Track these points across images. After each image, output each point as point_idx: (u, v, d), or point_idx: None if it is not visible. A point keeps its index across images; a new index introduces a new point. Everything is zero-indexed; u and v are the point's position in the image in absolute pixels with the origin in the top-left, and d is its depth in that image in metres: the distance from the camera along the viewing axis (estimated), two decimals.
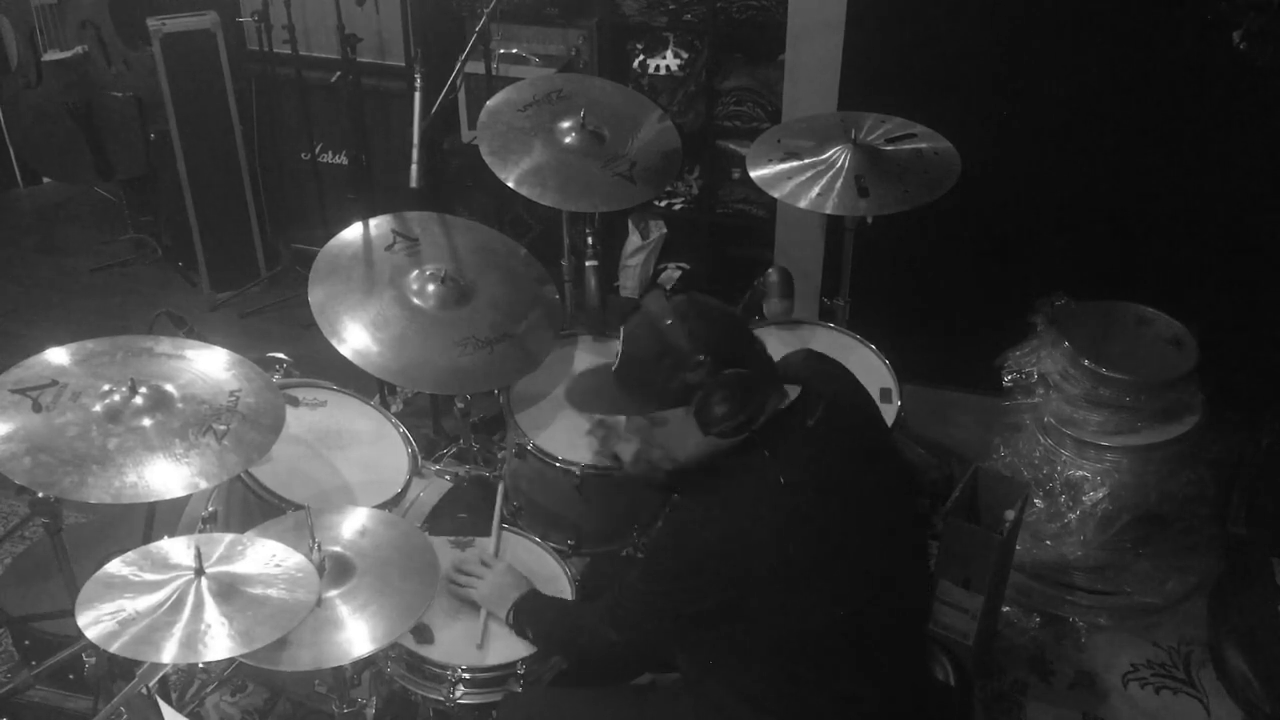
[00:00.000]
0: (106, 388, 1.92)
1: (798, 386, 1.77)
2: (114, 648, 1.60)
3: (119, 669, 2.14)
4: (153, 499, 1.83)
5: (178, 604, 1.66)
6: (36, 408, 1.87)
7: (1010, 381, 2.95)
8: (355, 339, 2.40)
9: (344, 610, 1.80)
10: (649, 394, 1.74)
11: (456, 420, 2.91)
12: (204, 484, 1.85)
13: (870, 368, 2.74)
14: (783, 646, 1.75)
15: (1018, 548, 2.77)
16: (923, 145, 2.79)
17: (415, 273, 2.54)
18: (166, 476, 1.82)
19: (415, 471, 2.41)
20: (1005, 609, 2.81)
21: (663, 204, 3.96)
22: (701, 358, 1.67)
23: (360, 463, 2.41)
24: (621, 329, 1.77)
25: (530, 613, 2.04)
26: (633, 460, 1.99)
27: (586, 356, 2.75)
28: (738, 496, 1.71)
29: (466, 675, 2.01)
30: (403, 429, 2.51)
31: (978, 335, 3.07)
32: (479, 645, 2.05)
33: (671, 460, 1.80)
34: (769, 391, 1.73)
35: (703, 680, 1.86)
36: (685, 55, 3.72)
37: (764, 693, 1.79)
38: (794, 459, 1.71)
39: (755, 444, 1.72)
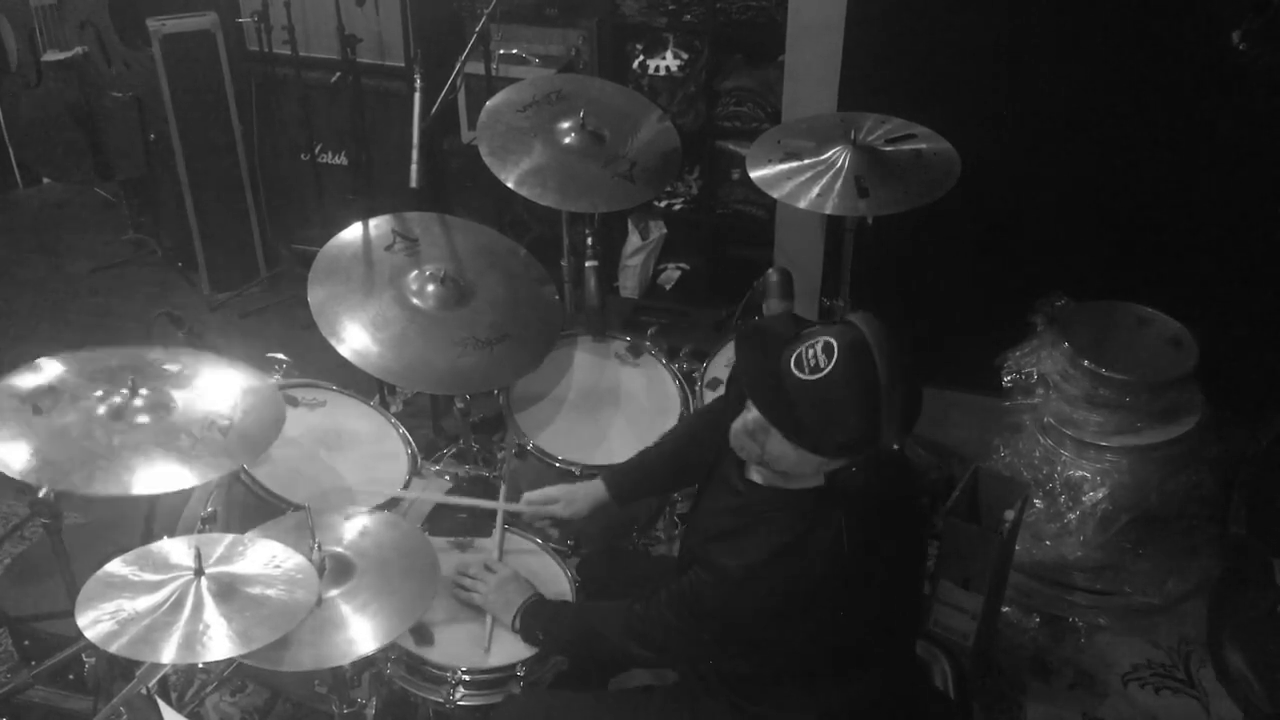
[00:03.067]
0: (106, 390, 1.92)
1: None
2: (114, 648, 1.60)
3: (119, 669, 2.14)
4: (160, 492, 1.83)
5: (177, 604, 1.66)
6: (36, 410, 1.86)
7: (1010, 382, 2.95)
8: (355, 339, 2.40)
9: (344, 610, 1.80)
10: (828, 440, 1.59)
11: (456, 420, 2.91)
12: (212, 475, 1.86)
13: None
14: (787, 665, 1.76)
15: (1018, 548, 2.77)
16: (923, 145, 2.79)
17: (415, 273, 2.54)
18: (172, 471, 1.82)
19: (415, 472, 2.41)
20: (1005, 609, 2.81)
21: (663, 204, 3.96)
22: (895, 446, 1.57)
23: (360, 463, 2.41)
24: (841, 351, 1.54)
25: (538, 619, 2.04)
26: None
27: (586, 356, 2.75)
28: (789, 567, 1.67)
29: (466, 677, 2.01)
30: (402, 429, 2.51)
31: (978, 335, 3.08)
32: (486, 649, 2.05)
33: (759, 460, 1.69)
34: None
35: (701, 684, 1.87)
36: (685, 56, 3.72)
37: (763, 698, 1.79)
38: (846, 525, 1.66)
39: (819, 501, 1.68)
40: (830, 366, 1.54)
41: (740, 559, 1.69)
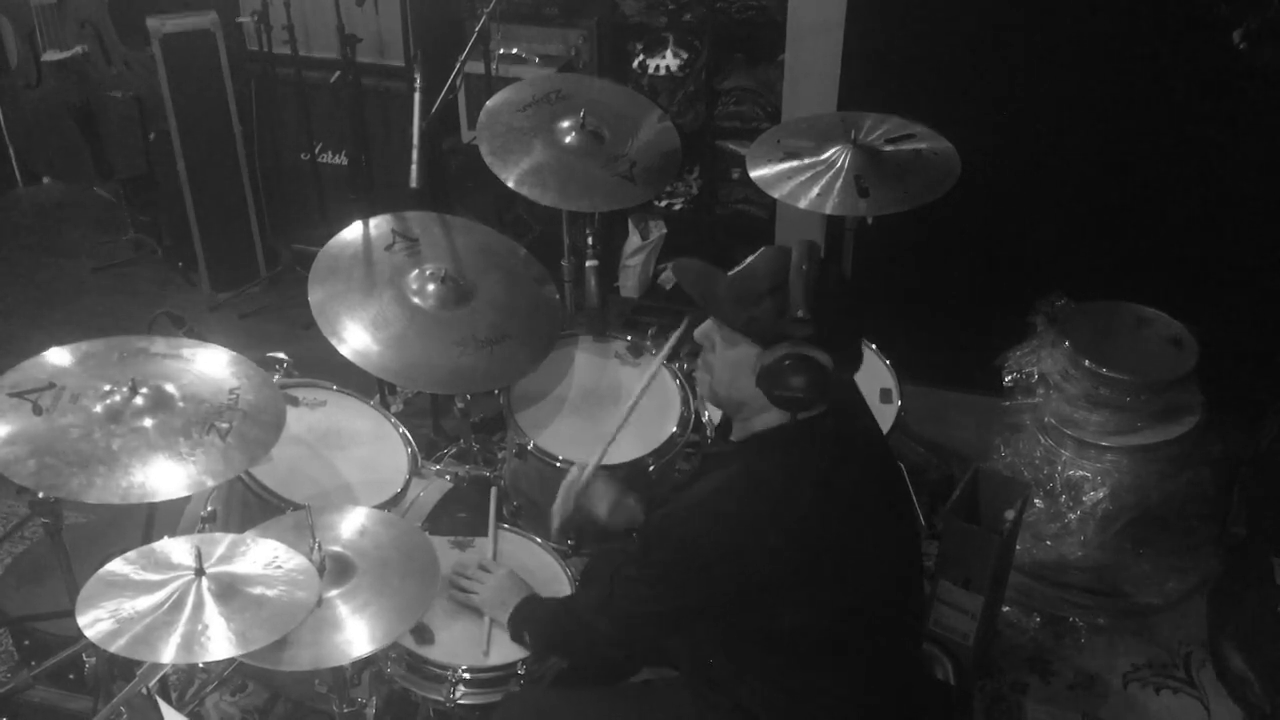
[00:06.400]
0: (106, 388, 1.92)
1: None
2: (113, 648, 1.60)
3: (119, 669, 2.14)
4: (160, 499, 1.83)
5: (178, 604, 1.66)
6: (36, 410, 1.86)
7: (1010, 381, 2.95)
8: (355, 339, 2.40)
9: (344, 610, 1.80)
10: (739, 310, 1.70)
11: (456, 420, 2.91)
12: (210, 482, 1.86)
13: (870, 368, 2.74)
14: (779, 647, 1.75)
15: (1018, 548, 2.77)
16: (923, 145, 2.79)
17: (415, 273, 2.54)
18: (173, 476, 1.82)
19: (415, 471, 2.41)
20: (1005, 609, 2.81)
21: (663, 204, 3.96)
22: (803, 315, 1.63)
23: (360, 463, 2.41)
24: (765, 248, 1.74)
25: (528, 616, 2.04)
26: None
27: (586, 356, 2.75)
28: (737, 496, 1.70)
29: (467, 675, 2.02)
30: (403, 429, 2.51)
31: (978, 335, 3.07)
32: (484, 651, 2.05)
33: (710, 387, 1.80)
34: (824, 397, 1.69)
35: (701, 680, 1.87)
36: (685, 55, 3.72)
37: (761, 692, 1.79)
38: (802, 465, 1.70)
39: (776, 441, 1.71)
40: (751, 259, 1.74)
41: (691, 495, 1.75)
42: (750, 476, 1.70)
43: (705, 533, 1.69)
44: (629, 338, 2.80)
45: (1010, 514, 2.58)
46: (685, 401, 2.62)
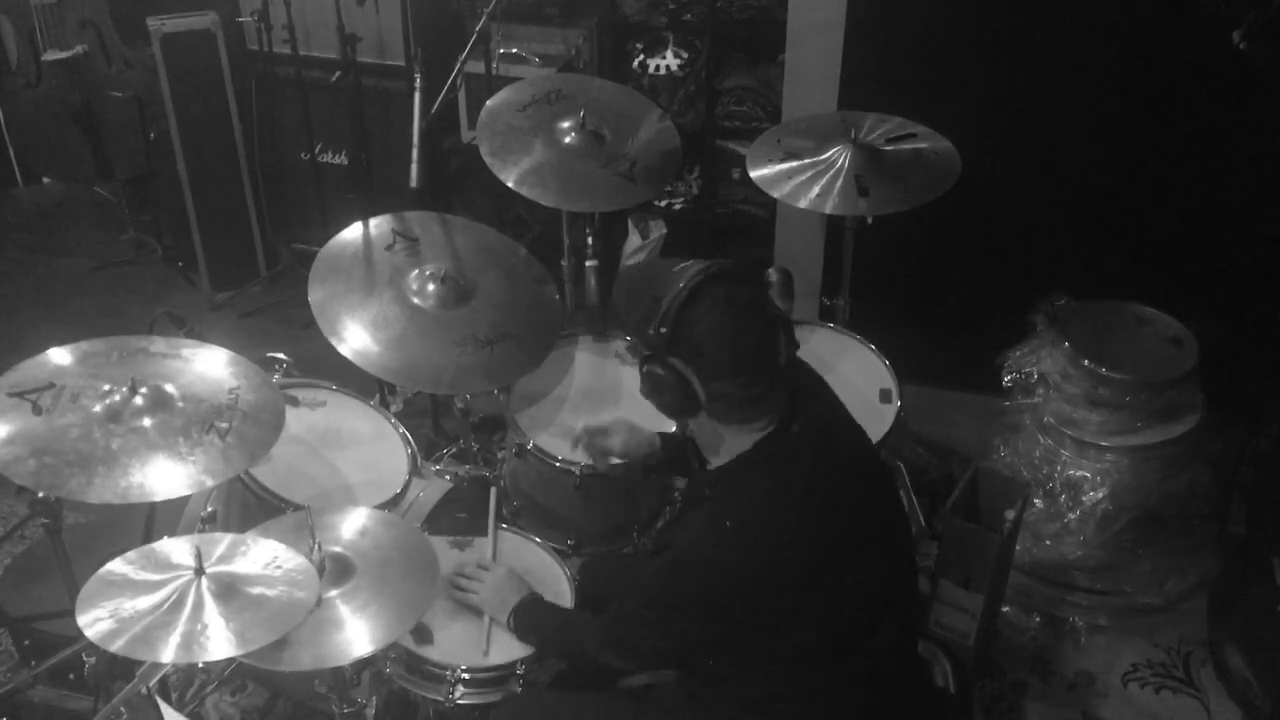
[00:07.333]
0: (106, 388, 1.92)
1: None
2: (113, 647, 1.60)
3: (119, 669, 2.14)
4: (159, 498, 1.83)
5: (177, 604, 1.66)
6: (36, 410, 1.86)
7: (1010, 381, 2.95)
8: (355, 339, 2.40)
9: (344, 610, 1.80)
10: (630, 312, 1.75)
11: (456, 420, 2.91)
12: (210, 482, 1.86)
13: (870, 368, 2.74)
14: (781, 657, 1.76)
15: (1018, 548, 2.77)
16: (923, 145, 2.79)
17: (415, 272, 2.54)
18: (172, 475, 1.82)
19: (415, 471, 2.41)
20: (1005, 609, 2.81)
21: (663, 204, 3.95)
22: (662, 330, 1.66)
23: (360, 463, 2.41)
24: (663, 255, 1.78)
25: (531, 620, 2.05)
26: (621, 450, 2.16)
27: (586, 356, 2.75)
28: (732, 524, 1.70)
29: (466, 676, 2.01)
30: (402, 429, 2.51)
31: (978, 335, 3.07)
32: (484, 651, 2.05)
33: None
34: (738, 412, 1.72)
35: (700, 684, 1.87)
36: (685, 55, 3.72)
37: (761, 698, 1.79)
38: (780, 488, 1.71)
39: (750, 464, 1.72)
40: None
41: (685, 534, 1.80)
42: (732, 512, 1.71)
43: (700, 579, 1.72)
44: (629, 337, 2.80)
45: (1010, 514, 2.58)
46: None
